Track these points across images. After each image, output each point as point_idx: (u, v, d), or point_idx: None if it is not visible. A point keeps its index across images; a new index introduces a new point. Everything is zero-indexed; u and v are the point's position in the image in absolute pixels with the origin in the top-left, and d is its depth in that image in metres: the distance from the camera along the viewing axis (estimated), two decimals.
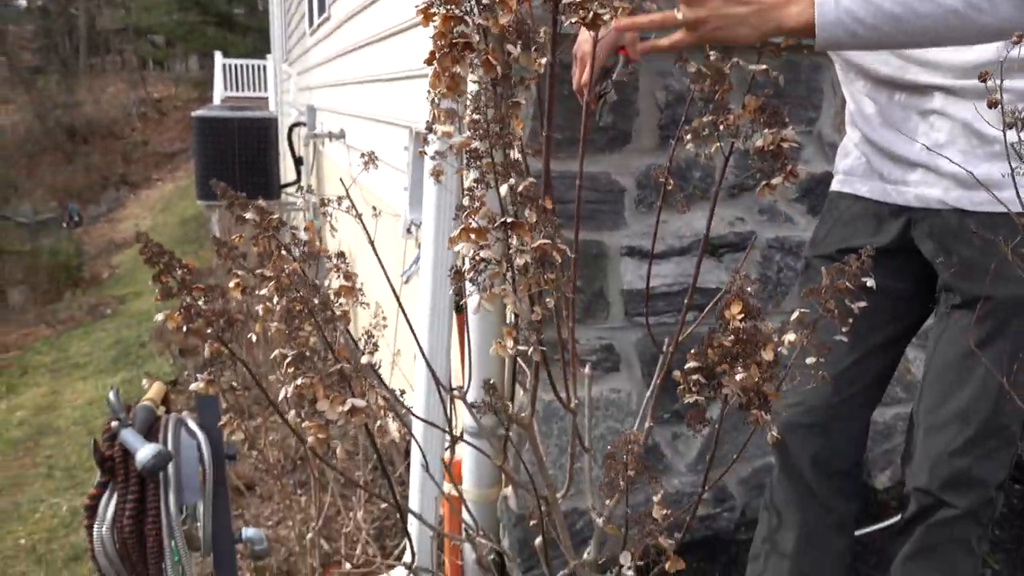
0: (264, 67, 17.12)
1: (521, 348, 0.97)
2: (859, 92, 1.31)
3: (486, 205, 0.90)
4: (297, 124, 6.95)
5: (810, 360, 1.01)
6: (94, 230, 17.09)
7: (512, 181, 0.91)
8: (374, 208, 1.29)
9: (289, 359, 0.91)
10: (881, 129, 1.27)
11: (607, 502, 1.03)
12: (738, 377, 0.90)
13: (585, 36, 1.42)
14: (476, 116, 0.88)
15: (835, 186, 1.38)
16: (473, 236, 0.88)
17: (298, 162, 6.90)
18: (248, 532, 1.59)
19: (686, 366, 0.94)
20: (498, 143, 0.89)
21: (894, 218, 1.28)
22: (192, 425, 1.48)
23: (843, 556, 1.43)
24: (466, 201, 0.90)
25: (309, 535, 2.24)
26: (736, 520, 1.95)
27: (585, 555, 1.47)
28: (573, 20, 0.90)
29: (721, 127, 1.13)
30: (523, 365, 1.69)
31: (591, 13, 0.93)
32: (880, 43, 1.06)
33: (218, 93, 14.98)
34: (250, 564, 2.37)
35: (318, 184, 6.11)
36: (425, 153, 1.46)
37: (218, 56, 15.67)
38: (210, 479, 1.44)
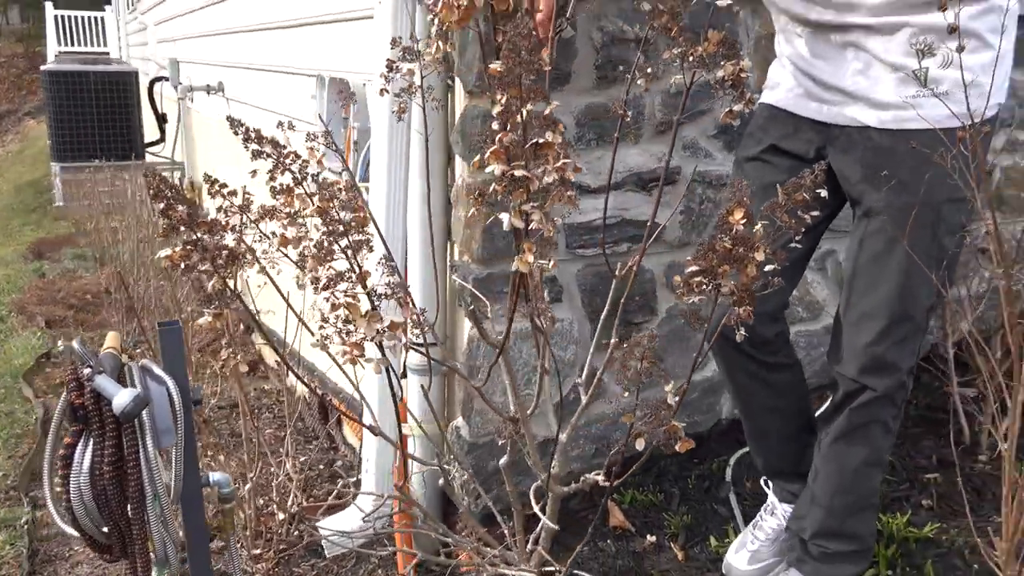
0: (103, 19, 15.87)
1: (541, 262, 1.04)
2: (792, 33, 1.45)
3: (507, 131, 0.96)
4: (159, 79, 6.56)
5: (769, 268, 1.15)
6: None
7: (529, 106, 0.97)
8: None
9: (324, 282, 0.94)
10: (811, 59, 1.43)
11: (624, 394, 1.12)
12: (741, 279, 1.01)
13: None
14: (507, 51, 0.94)
15: (767, 100, 1.53)
16: (504, 159, 0.94)
17: (161, 119, 6.54)
18: (215, 476, 1.58)
19: (687, 270, 1.05)
20: (527, 70, 0.94)
21: (814, 132, 1.45)
22: (158, 371, 1.45)
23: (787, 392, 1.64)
24: (497, 124, 0.95)
25: (248, 486, 2.23)
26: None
27: (552, 469, 1.58)
28: None
29: (690, 58, 1.23)
30: (479, 294, 1.75)
31: None
32: None
33: (51, 48, 13.80)
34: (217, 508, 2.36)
35: (189, 141, 5.83)
36: (387, 91, 1.49)
37: (49, 7, 14.37)
38: (181, 424, 1.43)
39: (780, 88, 1.49)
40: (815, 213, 1.16)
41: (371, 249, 1.00)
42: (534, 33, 1.51)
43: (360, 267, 0.98)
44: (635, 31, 1.81)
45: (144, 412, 1.37)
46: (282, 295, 1.26)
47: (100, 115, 5.84)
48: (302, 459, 2.89)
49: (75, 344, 1.40)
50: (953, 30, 1.11)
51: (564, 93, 1.77)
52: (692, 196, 1.98)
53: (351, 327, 0.96)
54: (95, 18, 16.11)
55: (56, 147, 5.91)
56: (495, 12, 1.12)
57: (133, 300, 4.66)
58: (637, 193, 1.92)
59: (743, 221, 0.99)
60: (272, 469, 2.58)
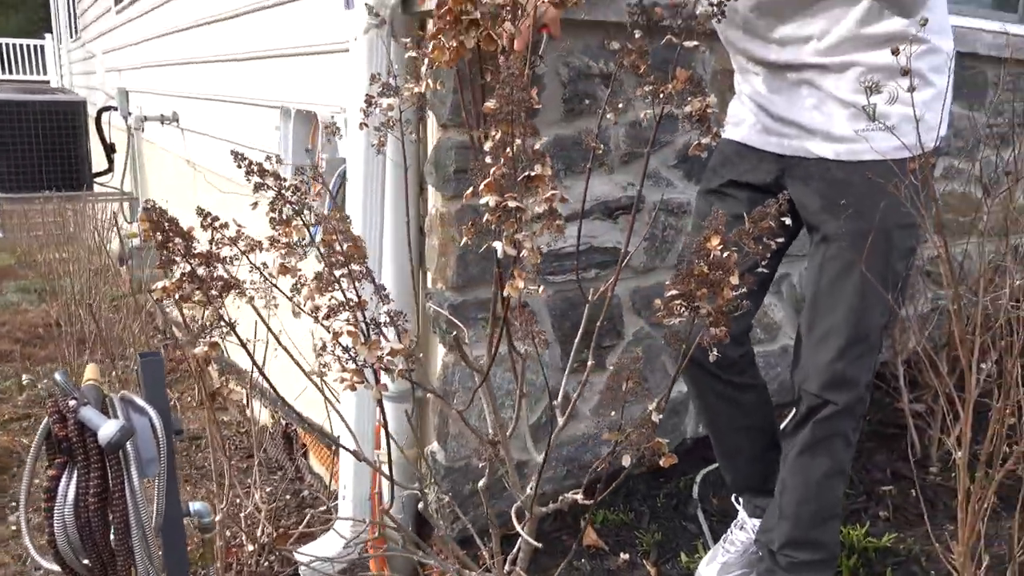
0: (41, 47, 15.57)
1: (531, 288, 1.09)
2: (750, 72, 1.55)
3: (501, 164, 1.02)
4: (107, 108, 6.48)
5: (743, 290, 1.22)
6: None
7: (519, 142, 1.03)
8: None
9: (325, 311, 0.98)
10: (769, 96, 1.52)
11: (612, 413, 1.17)
12: (717, 302, 1.08)
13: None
14: (502, 89, 0.99)
15: (729, 136, 1.62)
16: (498, 191, 0.99)
17: (110, 149, 6.45)
18: (195, 506, 1.59)
19: (667, 294, 1.11)
20: (520, 108, 1.00)
21: (771, 163, 1.54)
22: (139, 402, 1.46)
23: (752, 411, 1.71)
24: (489, 158, 1.01)
25: (218, 516, 2.22)
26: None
27: (528, 490, 1.62)
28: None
29: (660, 95, 1.31)
30: (455, 320, 1.80)
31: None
32: None
33: None
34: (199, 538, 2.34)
35: (141, 171, 5.76)
36: (366, 125, 1.54)
37: None
38: (163, 453, 1.43)
39: (743, 124, 1.58)
40: (780, 240, 1.24)
41: (372, 280, 1.04)
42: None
43: (359, 296, 1.01)
44: (599, 66, 1.89)
45: (128, 443, 1.37)
46: (267, 325, 1.29)
47: (45, 145, 5.74)
48: (268, 490, 2.88)
49: (58, 376, 1.40)
50: (905, 72, 1.21)
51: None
52: (655, 223, 2.06)
53: (350, 355, 1.00)
54: (34, 46, 15.79)
55: None
56: (482, 52, 1.18)
57: (84, 333, 4.57)
58: (604, 221, 1.99)
59: (720, 247, 1.05)
60: (239, 500, 2.56)
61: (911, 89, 1.24)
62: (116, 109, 6.17)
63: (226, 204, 3.58)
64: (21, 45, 15.79)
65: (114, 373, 3.17)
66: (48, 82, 14.48)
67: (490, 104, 1.00)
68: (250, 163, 1.02)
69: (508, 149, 1.00)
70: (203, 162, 4.03)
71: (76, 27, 9.34)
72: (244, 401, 3.31)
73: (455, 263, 1.79)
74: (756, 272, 1.58)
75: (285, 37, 2.69)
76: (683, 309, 1.09)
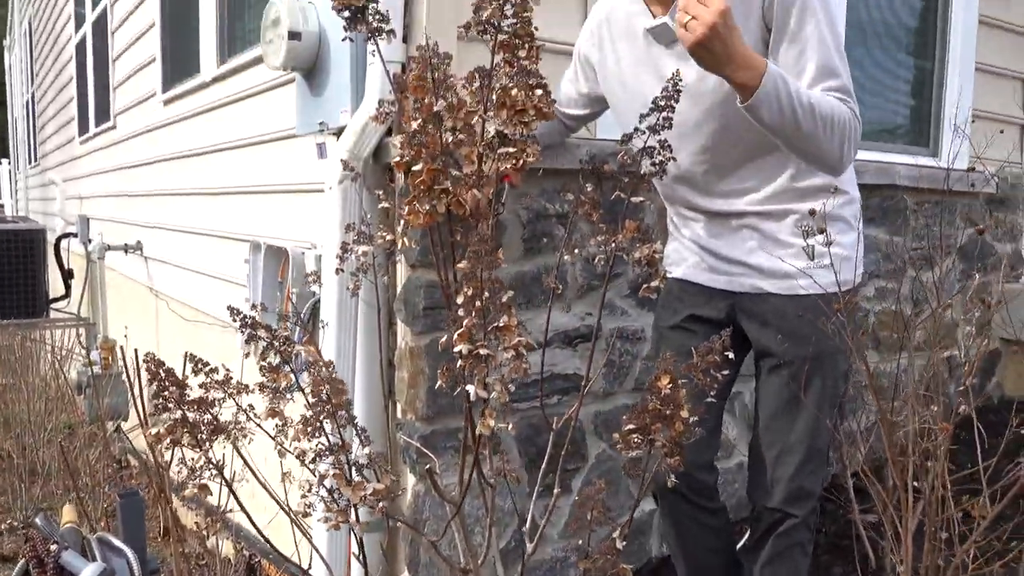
0: None
1: (500, 425, 1.18)
2: (688, 218, 1.71)
3: (472, 316, 1.13)
4: (66, 235, 6.54)
5: (693, 419, 1.33)
6: None
7: (487, 295, 1.15)
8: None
9: (311, 456, 1.06)
10: (710, 239, 1.67)
11: (579, 541, 1.24)
12: (669, 434, 1.19)
13: (493, 165, 1.71)
14: (472, 255, 1.12)
15: (673, 275, 1.76)
16: (469, 339, 1.10)
17: (67, 275, 6.47)
18: None
19: (624, 428, 1.21)
20: (485, 267, 1.12)
21: (722, 300, 1.68)
22: (117, 543, 1.48)
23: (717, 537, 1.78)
24: (462, 311, 1.12)
25: None
26: None
27: None
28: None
29: (612, 245, 1.45)
30: (425, 451, 1.87)
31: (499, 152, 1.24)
32: (778, 128, 1.38)
33: None
34: None
35: (101, 298, 5.77)
36: (343, 270, 1.65)
37: None
38: None
39: (686, 263, 1.72)
40: (725, 372, 1.37)
41: (355, 426, 1.12)
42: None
43: (343, 441, 1.10)
44: (556, 208, 2.05)
45: None
46: (247, 463, 1.35)
47: (2, 274, 5.76)
48: None
49: (39, 520, 1.43)
50: (833, 218, 1.39)
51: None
52: (613, 350, 2.18)
53: (334, 496, 1.07)
54: None
55: None
56: (451, 215, 1.31)
57: (35, 465, 4.47)
58: (563, 349, 2.11)
59: (669, 385, 1.17)
60: None
61: (827, 241, 1.40)
62: (76, 236, 6.24)
63: (189, 333, 3.63)
64: None
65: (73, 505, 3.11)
66: (2, 206, 14.45)
67: (462, 265, 1.12)
68: (243, 316, 1.12)
69: (478, 302, 1.11)
70: (167, 291, 4.10)
71: (36, 154, 9.48)
72: (204, 532, 3.26)
73: (424, 395, 1.87)
74: (707, 403, 1.69)
75: (257, 175, 2.84)
76: (640, 442, 1.19)
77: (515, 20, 1.31)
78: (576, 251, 2.11)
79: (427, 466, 1.70)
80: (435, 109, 1.23)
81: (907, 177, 2.82)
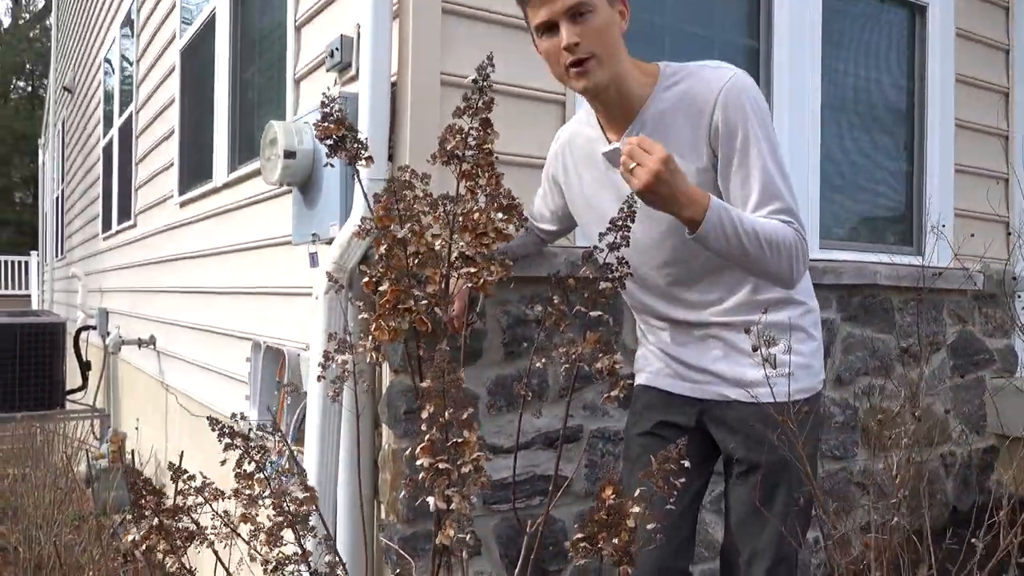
0: (26, 263, 16.06)
1: (460, 536, 1.24)
2: (655, 327, 1.78)
3: (434, 432, 1.21)
4: (86, 327, 6.72)
5: (650, 526, 1.38)
6: None
7: (450, 411, 1.23)
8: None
9: (273, 564, 1.12)
10: (677, 348, 1.74)
11: None
12: (615, 541, 1.24)
13: (459, 282, 1.81)
14: (434, 371, 1.20)
15: (641, 382, 1.82)
16: (431, 453, 1.17)
17: (85, 367, 6.62)
18: None
19: (574, 536, 1.26)
20: (448, 385, 1.21)
21: (690, 406, 1.73)
22: None
23: None
24: (424, 426, 1.19)
25: None
26: None
27: None
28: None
29: (572, 356, 1.53)
30: (404, 554, 1.91)
31: (461, 272, 1.33)
32: (726, 253, 1.49)
33: None
34: None
35: (115, 390, 5.89)
36: (324, 377, 1.74)
37: None
38: None
39: (653, 371, 1.79)
40: (683, 480, 1.42)
41: (315, 535, 1.19)
42: (452, 325, 1.80)
43: (303, 549, 1.16)
44: (535, 313, 2.14)
45: None
46: (226, 569, 1.40)
47: (23, 366, 5.91)
48: None
49: None
50: (793, 328, 1.46)
51: (477, 367, 2.06)
52: (594, 451, 2.23)
53: None
54: (19, 262, 16.30)
55: None
56: (417, 332, 1.40)
57: (43, 558, 4.49)
58: (545, 451, 2.16)
59: (613, 496, 1.22)
60: None
61: (787, 350, 1.47)
62: (95, 328, 6.41)
63: (196, 427, 3.71)
64: (5, 262, 16.27)
65: None
66: (29, 296, 14.81)
67: (425, 384, 1.21)
68: (222, 426, 1.20)
69: (441, 418, 1.19)
70: (177, 384, 4.20)
71: (63, 248, 9.80)
72: None
73: (405, 497, 1.93)
74: (669, 508, 1.73)
75: (259, 277, 2.97)
76: (589, 550, 1.24)
77: (476, 151, 1.43)
78: (553, 355, 2.18)
79: (397, 571, 1.74)
80: (398, 236, 1.34)
81: (887, 276, 2.89)
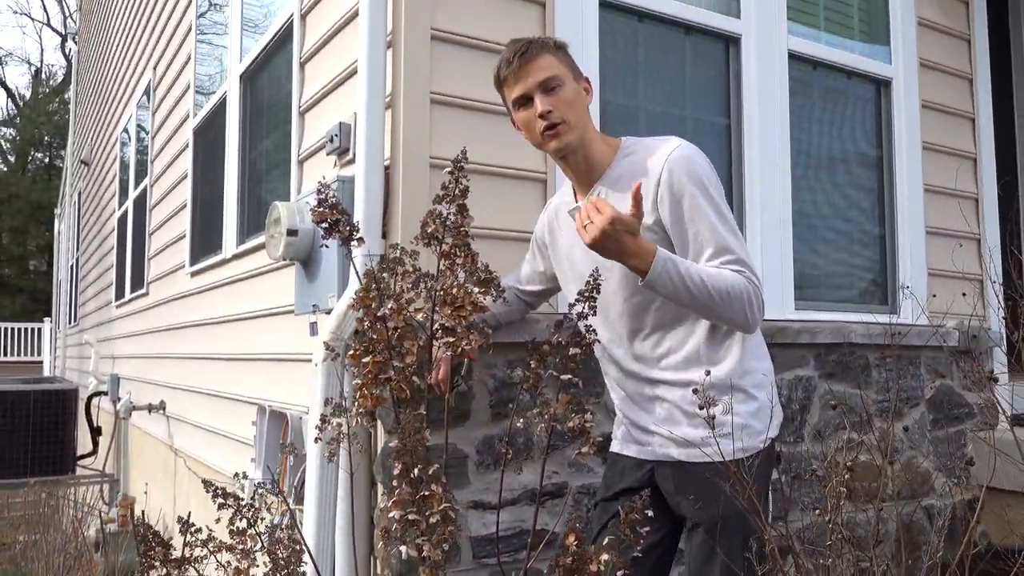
0: (39, 330, 16.30)
1: None
2: (612, 380, 1.92)
3: (404, 487, 1.34)
4: (97, 394, 6.87)
5: (620, 573, 1.50)
6: None
7: (419, 467, 1.37)
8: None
9: None
10: (629, 405, 1.88)
11: None
12: None
13: (441, 351, 1.96)
14: (403, 434, 1.35)
15: (612, 449, 1.96)
16: (401, 507, 1.31)
17: (96, 432, 6.75)
18: None
19: None
20: (418, 444, 1.35)
21: (641, 468, 1.86)
22: None
23: None
24: (395, 482, 1.33)
25: None
26: None
27: None
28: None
29: (546, 416, 1.67)
30: None
31: (442, 341, 1.48)
32: (676, 299, 1.66)
33: None
34: None
35: (125, 455, 6.01)
36: (321, 439, 1.88)
37: None
38: None
39: (618, 437, 1.92)
40: (647, 529, 1.55)
41: None
42: (438, 388, 1.95)
43: None
44: (519, 375, 2.29)
45: None
46: None
47: (35, 432, 6.05)
48: None
49: None
50: (733, 389, 1.60)
51: (466, 427, 2.20)
52: (579, 506, 2.35)
53: None
54: (33, 329, 16.54)
55: None
56: (396, 398, 1.56)
57: None
58: (531, 506, 2.28)
59: (575, 542, 1.36)
60: None
61: (726, 411, 1.61)
62: (106, 394, 6.56)
63: (204, 491, 3.83)
64: (19, 328, 16.52)
65: None
66: (41, 362, 14.99)
67: (394, 444, 1.35)
68: (215, 488, 1.34)
69: (410, 474, 1.33)
70: (185, 448, 4.33)
71: (76, 315, 10.01)
72: None
73: (396, 551, 2.05)
74: (636, 556, 1.85)
75: (265, 344, 3.13)
76: None
77: (454, 233, 1.60)
78: (530, 415, 2.32)
79: None
80: (379, 314, 1.50)
81: (861, 335, 3.03)
